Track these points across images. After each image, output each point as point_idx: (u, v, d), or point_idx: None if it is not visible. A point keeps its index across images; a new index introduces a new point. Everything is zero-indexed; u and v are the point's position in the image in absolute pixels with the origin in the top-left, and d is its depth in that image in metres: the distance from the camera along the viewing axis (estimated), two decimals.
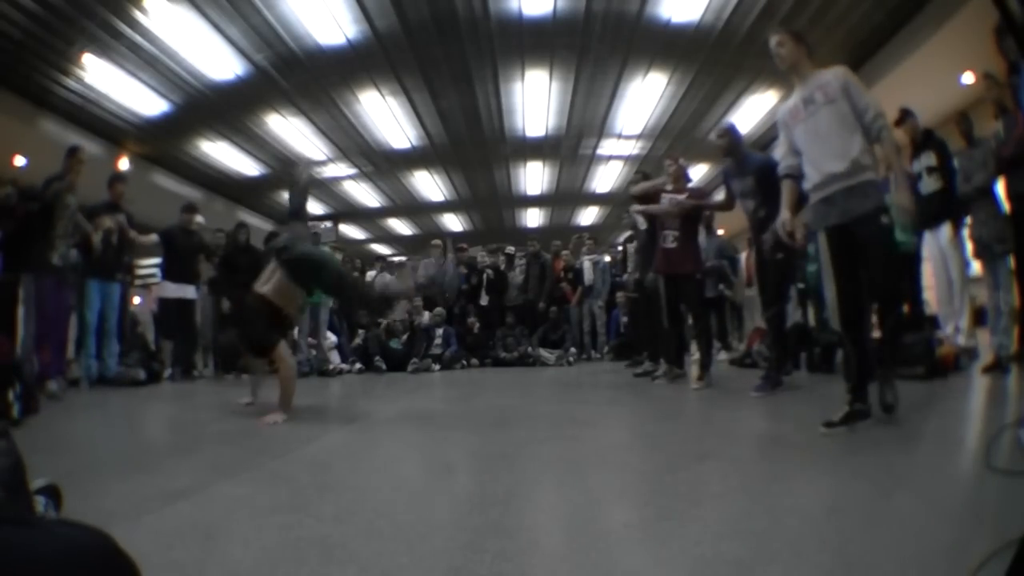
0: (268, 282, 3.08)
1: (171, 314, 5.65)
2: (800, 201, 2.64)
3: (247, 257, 6.31)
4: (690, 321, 4.42)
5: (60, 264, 4.49)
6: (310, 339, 6.45)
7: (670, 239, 4.06)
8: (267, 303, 3.00)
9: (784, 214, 2.68)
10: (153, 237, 5.70)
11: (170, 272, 5.71)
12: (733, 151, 3.75)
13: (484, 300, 7.61)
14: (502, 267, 8.08)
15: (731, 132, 3.79)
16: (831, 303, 2.50)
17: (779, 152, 2.80)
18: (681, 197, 4.10)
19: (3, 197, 4.48)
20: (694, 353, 4.79)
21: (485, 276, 7.70)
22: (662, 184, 4.28)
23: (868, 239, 2.29)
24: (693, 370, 4.20)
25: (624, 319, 7.55)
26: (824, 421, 2.24)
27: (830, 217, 2.38)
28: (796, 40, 2.53)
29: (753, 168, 3.60)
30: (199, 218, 6.04)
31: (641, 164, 11.36)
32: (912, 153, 4.36)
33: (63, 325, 4.73)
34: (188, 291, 5.73)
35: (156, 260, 6.23)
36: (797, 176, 2.60)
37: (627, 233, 6.96)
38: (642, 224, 4.54)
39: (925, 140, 4.27)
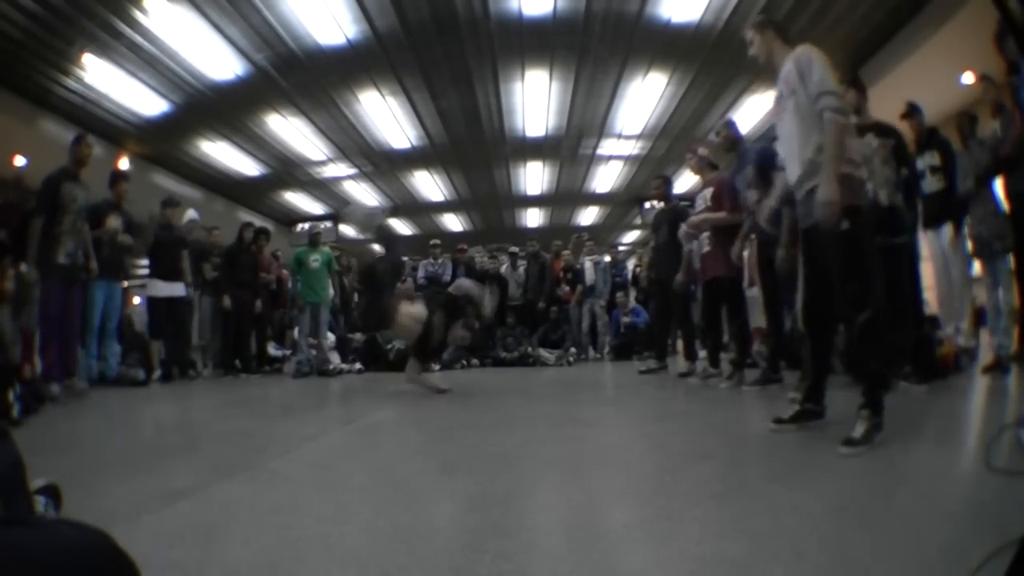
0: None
1: (160, 314, 5.49)
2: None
3: (247, 257, 6.35)
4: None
5: (68, 263, 4.16)
6: (310, 339, 6.46)
7: (706, 244, 4.06)
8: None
9: (769, 201, 2.81)
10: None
11: (156, 270, 5.51)
12: (734, 146, 3.80)
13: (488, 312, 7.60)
14: (504, 270, 8.07)
15: (730, 126, 3.87)
16: (800, 302, 2.40)
17: None
18: (708, 191, 4.06)
19: (9, 196, 4.42)
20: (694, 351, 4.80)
21: (488, 292, 7.67)
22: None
23: (822, 244, 2.09)
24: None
25: (625, 319, 7.57)
26: (774, 418, 2.24)
27: (802, 220, 2.24)
28: (761, 30, 2.32)
29: (751, 158, 3.60)
30: (191, 213, 5.92)
31: (641, 164, 11.40)
32: (916, 151, 4.35)
33: (72, 326, 4.38)
34: (176, 289, 5.54)
35: None
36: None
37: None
38: (687, 246, 4.43)
39: (929, 139, 4.26)
